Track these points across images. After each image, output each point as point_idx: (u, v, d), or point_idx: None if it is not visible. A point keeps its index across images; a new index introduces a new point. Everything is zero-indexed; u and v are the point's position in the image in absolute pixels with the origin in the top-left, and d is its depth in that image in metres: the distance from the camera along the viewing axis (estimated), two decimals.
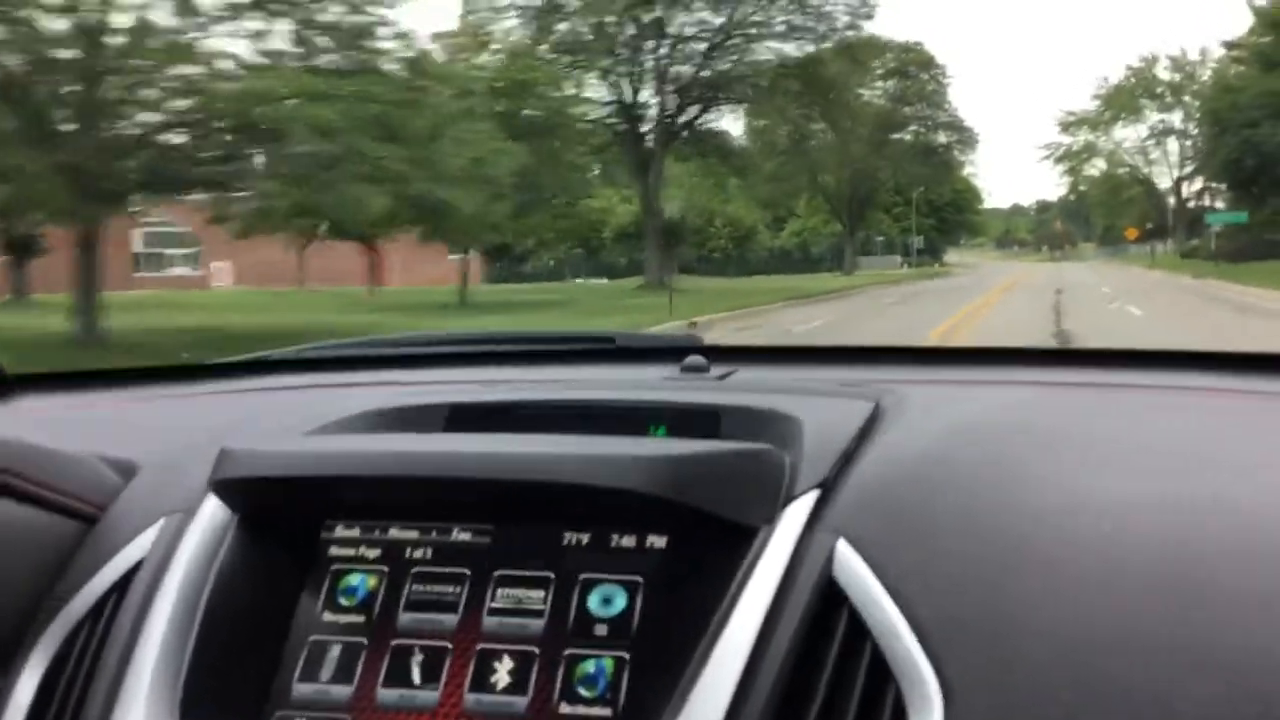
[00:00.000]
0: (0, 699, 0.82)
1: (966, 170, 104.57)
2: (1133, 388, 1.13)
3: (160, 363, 1.59)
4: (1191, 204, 69.01)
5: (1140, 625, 0.68)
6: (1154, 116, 68.79)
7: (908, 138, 60.57)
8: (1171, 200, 69.09)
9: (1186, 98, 65.75)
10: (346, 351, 1.55)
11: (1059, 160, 72.75)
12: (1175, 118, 68.06)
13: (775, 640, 0.71)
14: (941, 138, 62.35)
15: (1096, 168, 72.45)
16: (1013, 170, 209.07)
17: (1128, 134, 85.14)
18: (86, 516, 0.93)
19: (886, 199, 74.45)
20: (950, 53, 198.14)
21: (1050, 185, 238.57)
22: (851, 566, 0.74)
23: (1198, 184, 69.21)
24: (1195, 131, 64.99)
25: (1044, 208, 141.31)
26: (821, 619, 0.73)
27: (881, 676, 0.70)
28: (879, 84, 58.28)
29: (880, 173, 60.09)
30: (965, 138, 63.43)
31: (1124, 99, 67.90)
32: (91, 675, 0.81)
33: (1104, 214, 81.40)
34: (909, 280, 44.63)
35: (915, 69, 59.57)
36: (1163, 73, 67.40)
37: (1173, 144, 69.41)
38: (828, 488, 0.81)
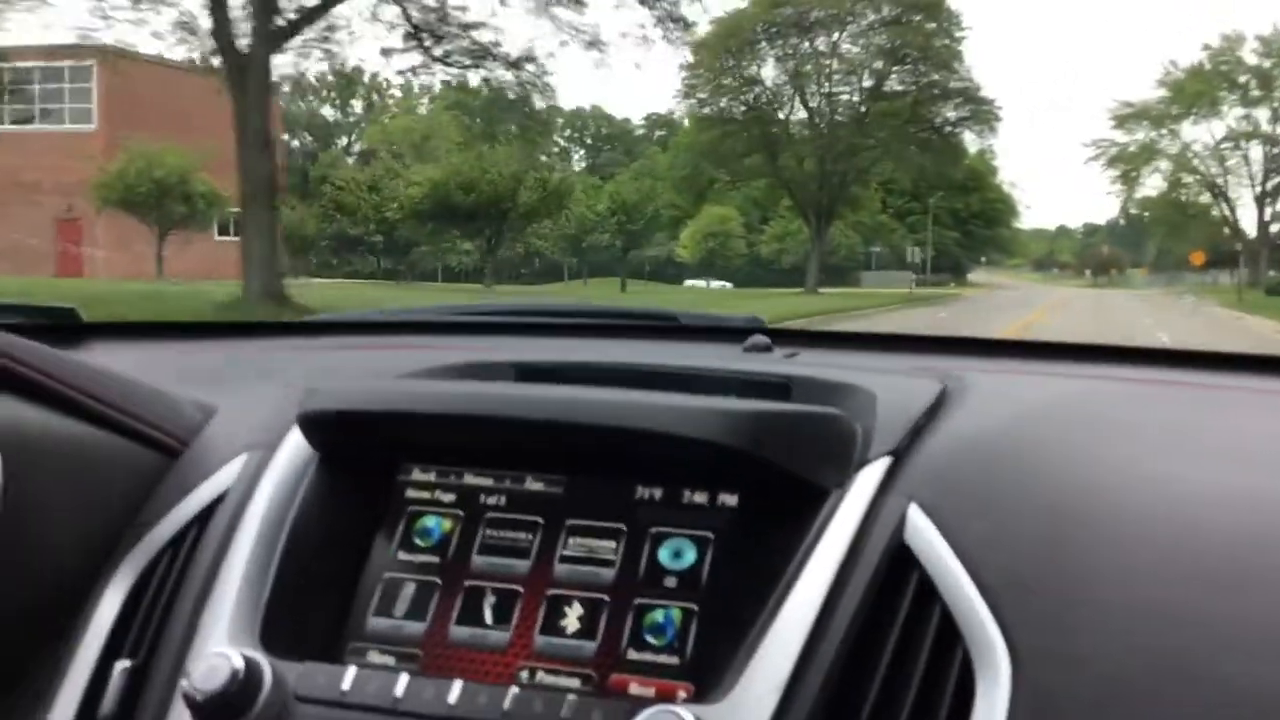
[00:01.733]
0: (84, 620, 0.84)
1: (1000, 179, 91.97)
2: (1195, 386, 1.14)
3: None
4: (1276, 226, 54.45)
5: (1204, 605, 0.70)
6: (1235, 112, 54.03)
7: (900, 107, 44.03)
8: (1251, 219, 54.37)
9: (1279, 90, 51.13)
10: (416, 317, 1.59)
11: (1110, 163, 57.99)
12: (1262, 115, 53.28)
13: (844, 600, 0.72)
14: (949, 112, 45.45)
15: (1159, 172, 57.49)
16: (1061, 189, 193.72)
17: (1199, 133, 70.15)
18: (169, 449, 0.95)
19: (872, 195, 59.42)
20: (991, 48, 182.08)
21: (1100, 204, 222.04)
22: (922, 531, 0.76)
23: None
24: None
25: (1091, 231, 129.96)
26: (891, 581, 0.74)
27: (949, 639, 0.71)
28: (867, 38, 43.37)
29: (862, 155, 45.04)
30: (981, 113, 45.57)
31: (1197, 88, 53.00)
32: (172, 602, 0.83)
33: (1162, 234, 66.56)
34: (890, 307, 31.06)
35: (914, 13, 43.00)
36: (1249, 56, 52.51)
37: (1256, 150, 54.48)
38: (899, 456, 0.82)
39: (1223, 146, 54.75)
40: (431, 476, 0.86)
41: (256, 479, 0.88)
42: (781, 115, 41.56)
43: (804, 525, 0.76)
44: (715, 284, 55.59)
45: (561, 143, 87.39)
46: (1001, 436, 0.89)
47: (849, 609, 0.72)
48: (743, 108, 41.52)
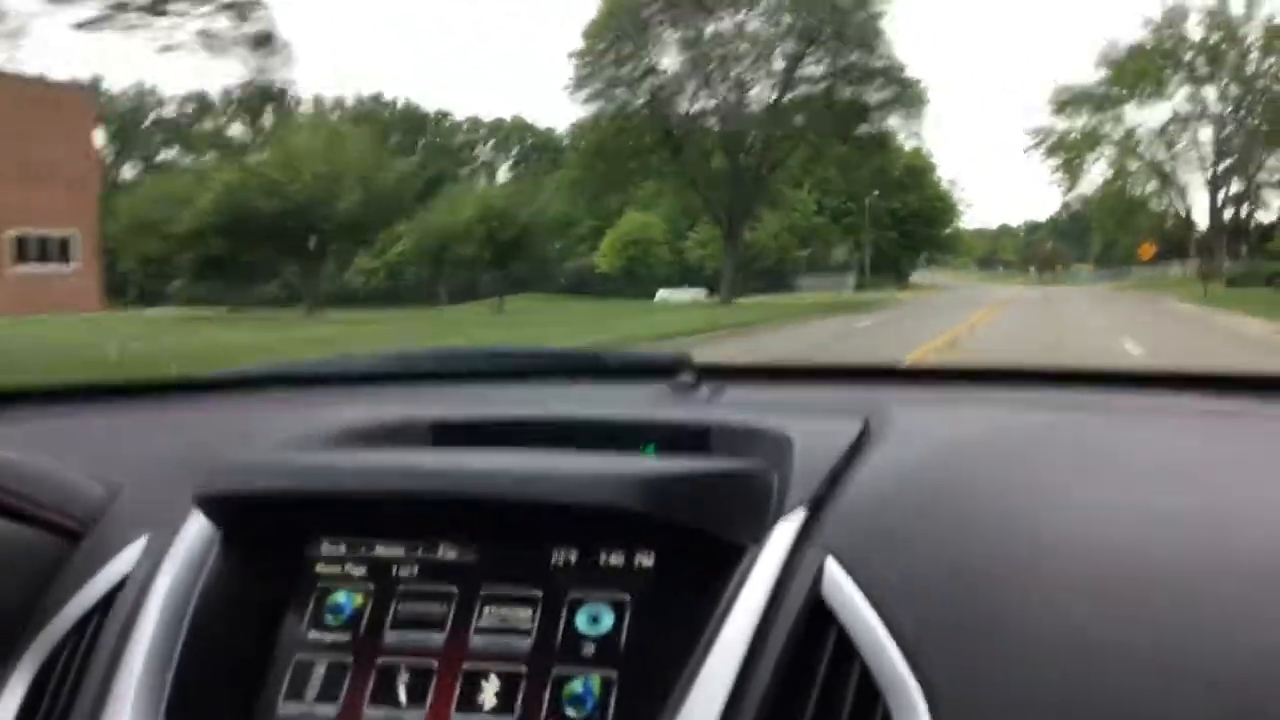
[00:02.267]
0: None
1: (938, 176, 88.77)
2: (1116, 408, 1.13)
3: None
4: (1229, 212, 50.87)
5: (1125, 634, 0.69)
6: (1182, 92, 50.41)
7: (817, 93, 39.15)
8: (1203, 206, 50.76)
9: (1227, 67, 47.57)
10: (327, 369, 1.58)
11: (1051, 152, 54.21)
12: (1211, 94, 49.71)
13: (764, 659, 0.71)
14: (872, 95, 40.30)
15: (1103, 158, 53.71)
16: (1002, 186, 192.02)
17: (1145, 117, 66.44)
18: (70, 532, 0.93)
19: (805, 198, 55.20)
20: (922, 36, 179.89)
21: (1042, 201, 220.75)
22: (839, 584, 0.75)
23: (1236, 185, 50.81)
24: (1239, 114, 46.77)
25: (1033, 228, 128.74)
26: (810, 637, 0.73)
27: (870, 695, 0.70)
28: (776, 16, 38.59)
29: (778, 148, 40.35)
30: (907, 96, 40.72)
31: (1140, 67, 49.30)
32: (76, 692, 0.81)
33: (1109, 225, 62.92)
34: (805, 319, 26.67)
35: None
36: (1194, 30, 48.96)
37: (1206, 131, 50.94)
38: (816, 506, 0.82)
39: (1170, 130, 51.12)
40: (341, 549, 0.85)
41: (159, 560, 0.86)
42: (685, 107, 36.86)
43: (721, 583, 0.76)
44: (688, 292, 51.89)
45: (486, 154, 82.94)
46: (919, 477, 0.87)
47: (768, 669, 0.71)
48: (640, 99, 36.86)
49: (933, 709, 0.67)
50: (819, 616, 0.74)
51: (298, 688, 0.79)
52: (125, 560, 0.89)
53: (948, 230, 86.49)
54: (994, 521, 0.80)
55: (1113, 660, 0.67)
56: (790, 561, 0.76)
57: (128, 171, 66.99)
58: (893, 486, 0.85)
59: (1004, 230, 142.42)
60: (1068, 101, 52.60)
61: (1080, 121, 52.74)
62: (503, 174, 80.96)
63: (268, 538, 0.86)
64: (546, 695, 0.75)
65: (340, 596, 0.83)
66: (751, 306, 34.12)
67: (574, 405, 1.10)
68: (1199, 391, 1.14)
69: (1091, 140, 52.20)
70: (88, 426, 1.27)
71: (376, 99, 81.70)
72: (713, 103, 36.92)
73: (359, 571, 0.83)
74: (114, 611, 0.85)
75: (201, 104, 67.36)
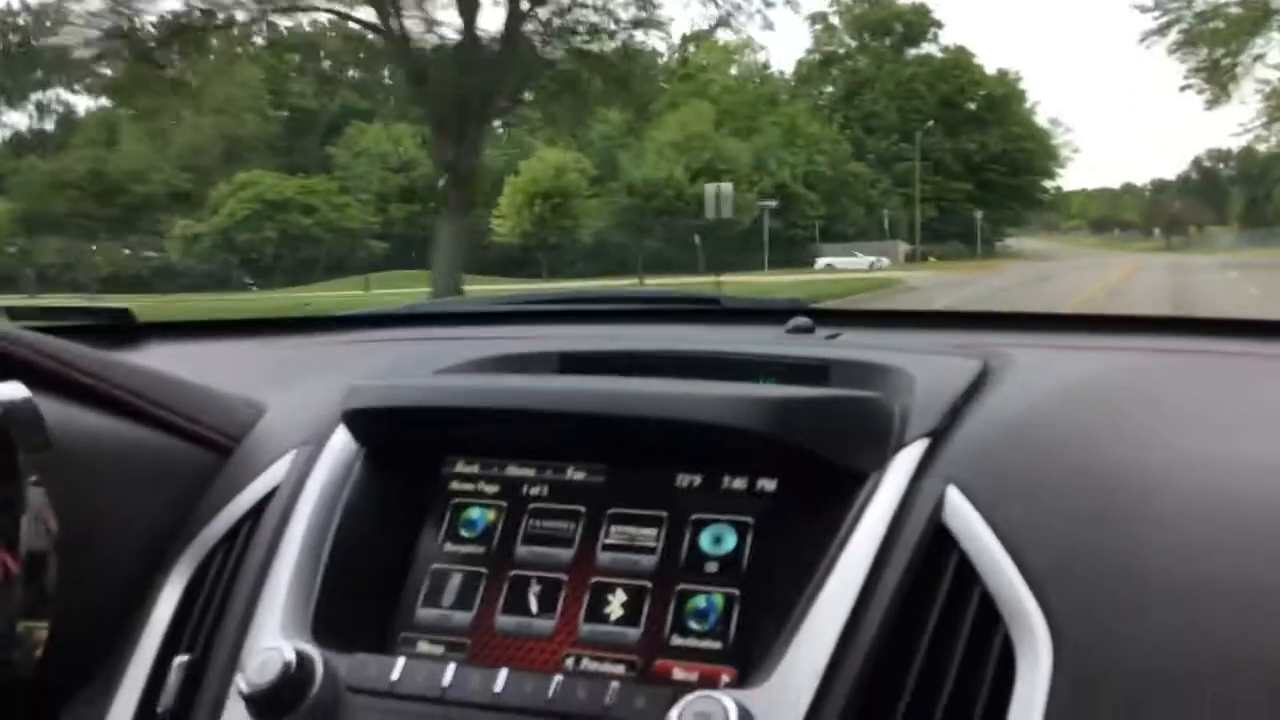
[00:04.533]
0: (143, 617, 0.86)
1: (1033, 110, 68.41)
2: (1242, 355, 1.14)
3: None
4: None
5: (1250, 585, 0.69)
6: None
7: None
8: None
9: None
10: (459, 307, 1.69)
11: (1189, 41, 34.31)
12: None
13: (883, 582, 0.72)
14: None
15: (1260, 58, 33.70)
16: (1126, 139, 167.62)
17: None
18: (221, 448, 0.97)
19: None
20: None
21: (1171, 157, 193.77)
22: (961, 512, 0.75)
23: None
24: None
25: (1160, 187, 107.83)
26: (930, 563, 0.74)
27: (989, 621, 0.70)
28: None
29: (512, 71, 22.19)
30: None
31: None
32: (227, 598, 0.85)
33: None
34: None
35: None
36: None
37: None
38: (937, 438, 0.82)
39: None
40: (475, 469, 0.88)
41: (305, 475, 0.90)
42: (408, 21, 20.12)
43: (843, 509, 0.76)
44: (865, 260, 41.25)
45: None
46: (1041, 416, 0.88)
47: (888, 591, 0.72)
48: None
49: (1054, 634, 0.68)
50: (940, 543, 0.74)
51: (435, 596, 0.82)
52: (274, 474, 0.92)
53: (1046, 182, 66.76)
54: (1114, 464, 0.79)
55: (1228, 608, 0.67)
56: (911, 489, 0.77)
57: None
58: (1014, 423, 0.85)
59: (1127, 189, 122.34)
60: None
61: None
62: None
63: (407, 456, 0.89)
64: (671, 609, 0.77)
65: (474, 512, 0.85)
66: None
67: (693, 344, 1.09)
68: None
69: (1257, 17, 32.07)
70: (235, 355, 1.37)
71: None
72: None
73: (492, 490, 0.86)
74: (263, 522, 0.88)
75: None
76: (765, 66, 62.94)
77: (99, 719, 0.82)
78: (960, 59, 62.13)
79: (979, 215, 52.41)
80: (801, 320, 1.21)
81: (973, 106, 61.09)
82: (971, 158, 58.67)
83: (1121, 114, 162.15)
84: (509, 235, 40.69)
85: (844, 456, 0.79)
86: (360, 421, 0.89)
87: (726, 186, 22.83)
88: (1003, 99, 61.45)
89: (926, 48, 63.65)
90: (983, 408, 0.87)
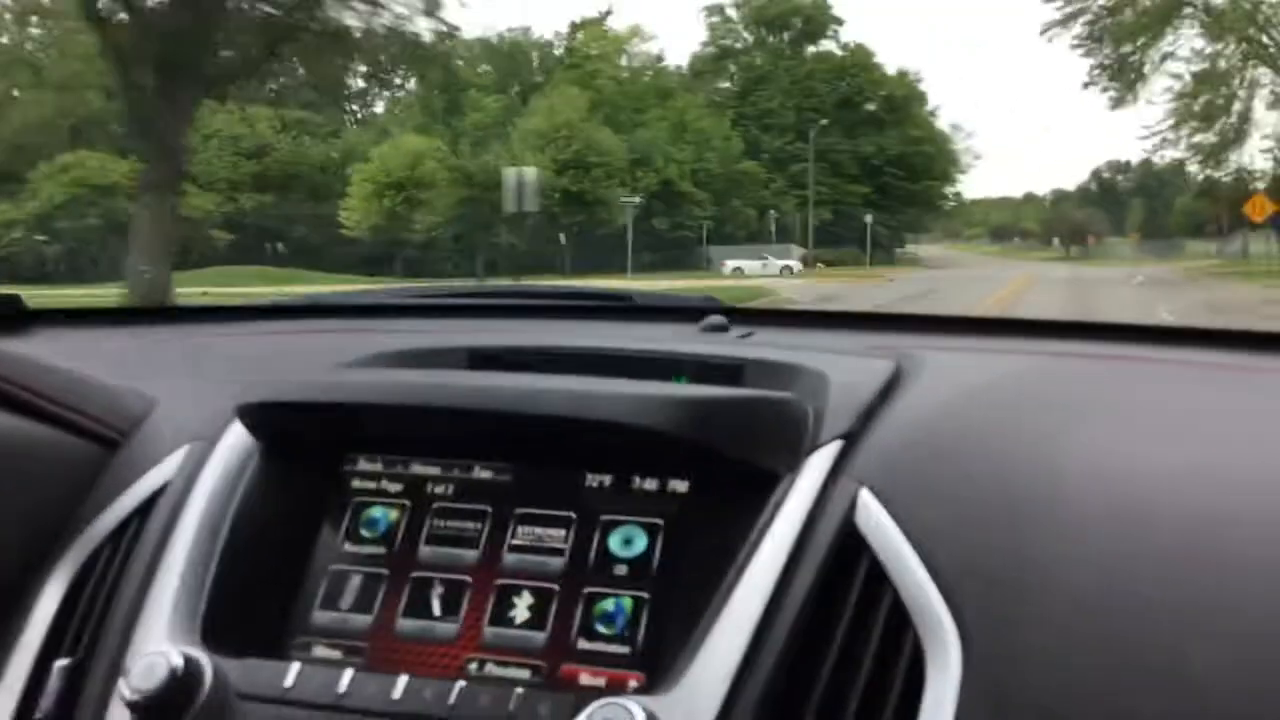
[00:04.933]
0: (22, 617, 0.83)
1: (933, 113, 66.05)
2: (1148, 361, 1.14)
3: None
4: None
5: (1158, 590, 0.69)
6: None
7: None
8: None
9: None
10: (365, 300, 1.60)
11: (1112, 73, 31.62)
12: None
13: (795, 585, 0.72)
14: None
15: (1170, 54, 31.30)
16: (1028, 150, 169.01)
17: None
18: (109, 441, 0.94)
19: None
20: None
21: (1070, 168, 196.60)
22: (873, 515, 0.75)
23: None
24: None
25: (1061, 197, 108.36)
26: (841, 566, 0.73)
27: (900, 625, 0.70)
28: None
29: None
30: None
31: None
32: (112, 598, 0.82)
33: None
34: None
35: None
36: None
37: None
38: (850, 440, 0.82)
39: None
40: (378, 466, 0.85)
41: (198, 471, 0.87)
42: None
43: (754, 510, 0.76)
44: (776, 263, 39.94)
45: None
46: (955, 418, 0.87)
47: (799, 594, 0.71)
48: None
49: (964, 638, 0.67)
50: (851, 546, 0.74)
51: (333, 598, 0.80)
52: (164, 469, 0.89)
53: (945, 187, 64.51)
54: (1025, 467, 0.79)
55: (1138, 620, 0.67)
56: (824, 491, 0.76)
57: None
58: (926, 425, 0.85)
59: (1029, 199, 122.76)
60: None
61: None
62: None
63: (306, 452, 0.86)
64: (579, 612, 0.76)
65: (376, 511, 0.83)
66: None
67: (604, 341, 1.08)
68: (1227, 348, 1.14)
69: (1168, 9, 29.48)
70: (124, 345, 1.31)
71: None
72: None
73: (395, 488, 0.84)
74: (152, 519, 0.85)
75: None
76: (659, 59, 59.48)
77: None
78: (860, 57, 59.65)
79: (869, 219, 49.60)
80: (715, 319, 1.22)
81: (872, 107, 58.65)
82: (869, 160, 56.20)
83: (1025, 122, 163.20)
84: (357, 229, 36.62)
85: (757, 458, 0.78)
86: (257, 416, 0.86)
87: (531, 172, 18.94)
88: (903, 100, 59.16)
89: (826, 45, 61.02)
90: (895, 410, 0.87)
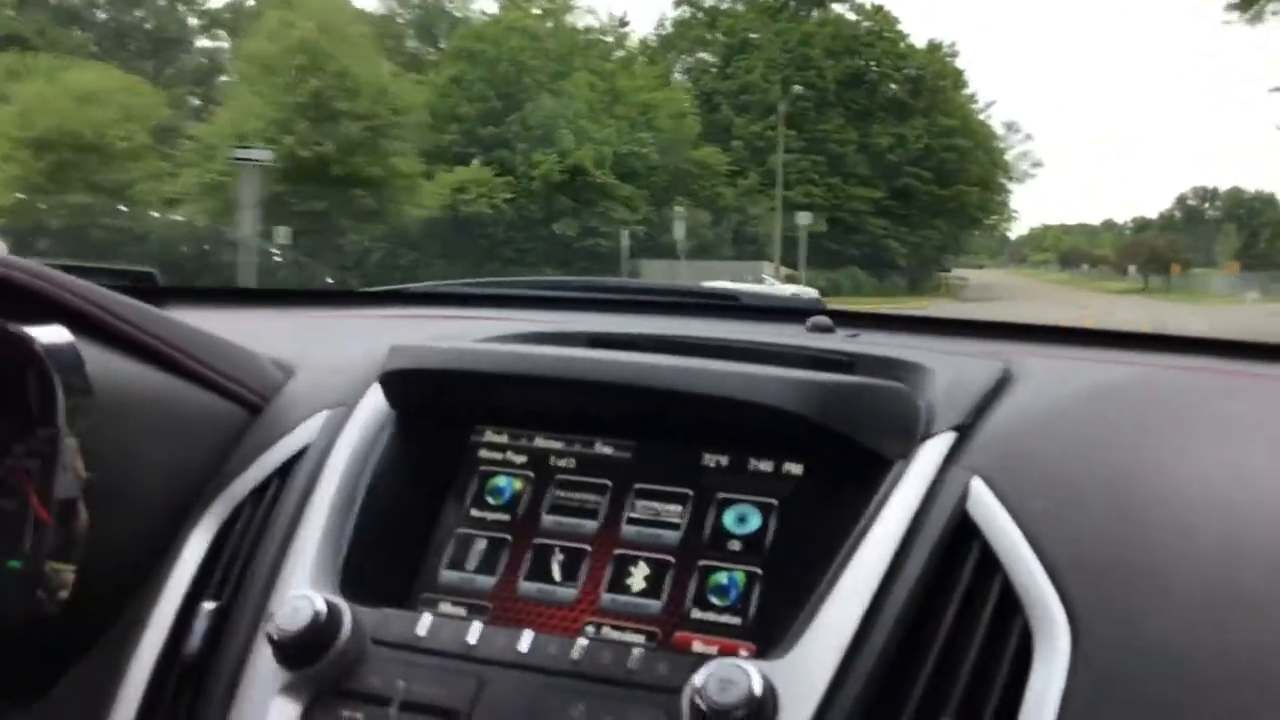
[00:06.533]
0: (170, 564, 0.88)
1: (973, 99, 51.96)
2: (1250, 376, 1.16)
3: None
4: None
5: (1271, 594, 0.70)
6: None
7: None
8: None
9: None
10: (484, 290, 1.64)
11: None
12: None
13: (906, 568, 0.74)
14: None
15: None
16: (1105, 174, 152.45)
17: None
18: (251, 405, 1.00)
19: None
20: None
21: (1154, 194, 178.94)
22: (985, 503, 0.77)
23: None
24: None
25: (1141, 226, 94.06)
26: (952, 551, 0.75)
27: (1008, 611, 0.72)
28: None
29: None
30: None
31: None
32: (255, 549, 0.87)
33: None
34: None
35: None
36: None
37: None
38: (963, 431, 0.84)
39: None
40: (504, 438, 0.90)
41: (336, 435, 0.92)
42: None
43: (867, 494, 0.78)
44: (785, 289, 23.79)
45: None
46: (1065, 418, 0.89)
47: (911, 576, 0.73)
48: None
49: (1073, 626, 0.69)
50: (963, 533, 0.75)
51: (459, 559, 0.84)
52: (304, 433, 0.94)
53: (989, 197, 50.30)
54: (1135, 467, 0.81)
55: (1254, 618, 0.68)
56: (937, 478, 0.78)
57: None
58: (1037, 422, 0.87)
59: (1108, 226, 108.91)
60: None
61: None
62: None
63: (438, 422, 0.91)
64: (693, 584, 0.79)
65: (501, 480, 0.88)
66: None
67: (718, 335, 1.12)
68: None
69: None
70: (258, 323, 1.39)
71: None
72: None
73: (520, 460, 0.88)
74: (293, 479, 0.90)
75: None
76: (624, 22, 46.20)
77: (124, 661, 0.83)
78: (879, 22, 45.83)
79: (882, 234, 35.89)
80: (821, 319, 1.24)
81: (892, 87, 44.91)
82: (884, 155, 42.42)
83: (1111, 142, 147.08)
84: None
85: (872, 443, 0.80)
86: (397, 383, 0.91)
87: None
88: (936, 81, 45.32)
89: (837, 9, 47.28)
90: (1006, 407, 0.88)
